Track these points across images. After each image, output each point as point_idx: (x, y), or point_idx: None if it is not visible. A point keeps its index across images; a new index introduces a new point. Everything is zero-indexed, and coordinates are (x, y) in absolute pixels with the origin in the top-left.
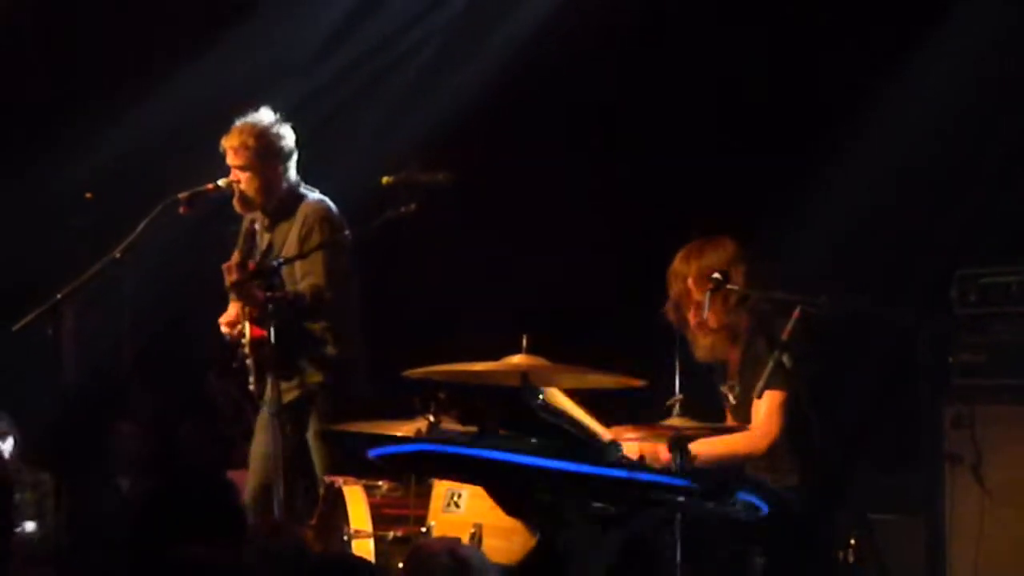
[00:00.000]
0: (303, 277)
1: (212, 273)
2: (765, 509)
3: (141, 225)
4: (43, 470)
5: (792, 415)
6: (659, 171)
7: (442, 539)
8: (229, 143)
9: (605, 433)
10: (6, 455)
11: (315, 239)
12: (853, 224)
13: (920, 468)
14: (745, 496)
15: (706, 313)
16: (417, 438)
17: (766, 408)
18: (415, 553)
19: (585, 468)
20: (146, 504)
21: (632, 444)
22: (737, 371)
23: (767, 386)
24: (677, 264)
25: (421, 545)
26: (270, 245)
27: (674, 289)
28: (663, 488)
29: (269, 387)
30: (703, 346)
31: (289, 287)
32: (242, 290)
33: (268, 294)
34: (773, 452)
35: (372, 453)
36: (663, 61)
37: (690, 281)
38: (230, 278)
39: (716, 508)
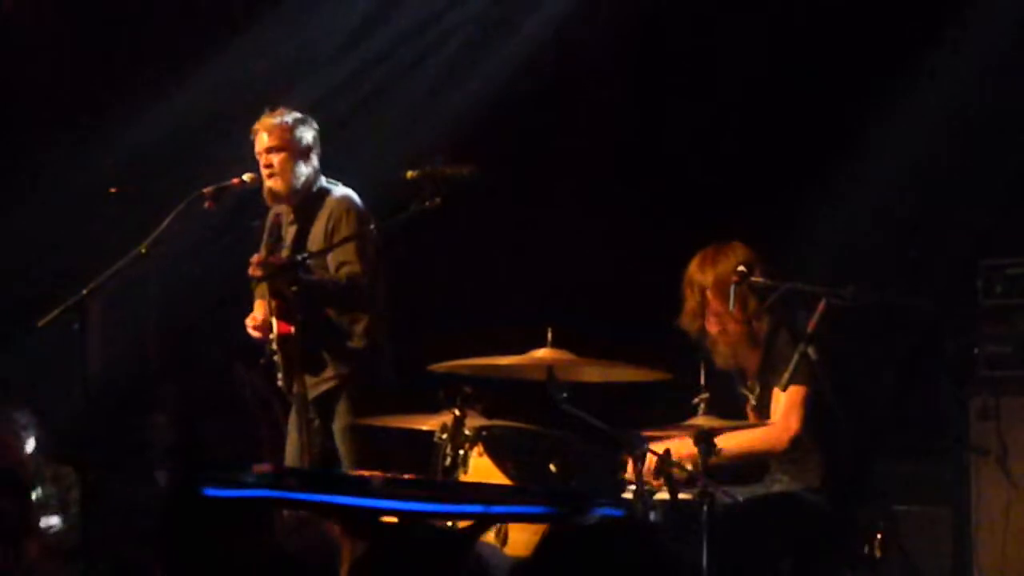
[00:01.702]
0: (337, 268)
1: (238, 267)
2: (620, 514)
3: (167, 220)
4: (64, 464)
5: (815, 410)
6: (686, 163)
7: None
8: (263, 125)
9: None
10: (28, 450)
11: (343, 231)
12: (878, 216)
13: (946, 459)
14: (601, 511)
15: (732, 306)
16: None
17: (786, 403)
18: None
19: (438, 507)
20: (170, 499)
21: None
22: (757, 372)
23: (792, 379)
24: (692, 273)
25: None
26: (296, 239)
27: (691, 299)
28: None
29: (297, 384)
30: (722, 353)
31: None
32: (269, 283)
33: (293, 290)
34: (796, 449)
35: (209, 492)
36: (689, 55)
37: (708, 292)
38: (256, 272)
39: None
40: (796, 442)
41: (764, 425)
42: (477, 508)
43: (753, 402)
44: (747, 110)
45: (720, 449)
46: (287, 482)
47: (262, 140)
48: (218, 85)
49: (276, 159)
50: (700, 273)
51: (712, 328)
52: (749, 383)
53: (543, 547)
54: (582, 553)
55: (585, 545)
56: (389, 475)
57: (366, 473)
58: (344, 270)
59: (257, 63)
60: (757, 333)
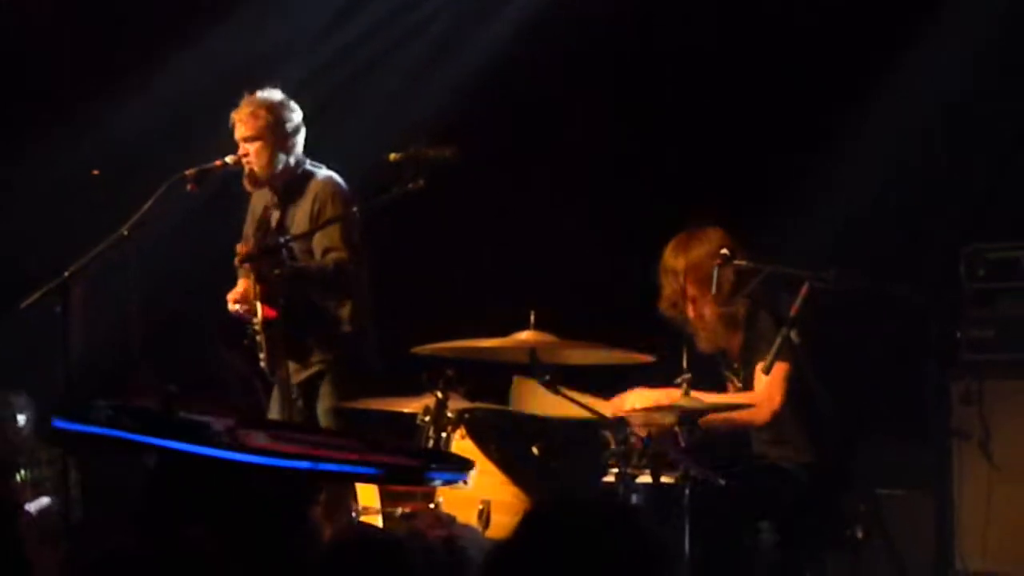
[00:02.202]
0: (323, 252)
1: (220, 249)
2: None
3: (148, 202)
4: (56, 445)
5: (798, 389)
6: (669, 146)
7: (440, 525)
8: (239, 115)
9: (607, 408)
10: (24, 432)
11: (328, 214)
12: (861, 201)
13: (928, 443)
14: (442, 475)
15: (714, 288)
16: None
17: (770, 378)
18: (412, 540)
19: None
20: (150, 482)
21: (639, 418)
22: (739, 354)
23: (775, 358)
24: (667, 259)
25: (419, 532)
26: (280, 222)
27: (667, 285)
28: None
29: (284, 366)
30: (703, 337)
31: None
32: (254, 267)
33: (275, 272)
34: (779, 426)
35: (56, 424)
36: (674, 40)
37: (682, 277)
38: (242, 256)
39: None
40: (777, 416)
41: (747, 398)
42: (306, 464)
43: (738, 384)
44: (731, 98)
45: (702, 431)
46: (124, 422)
47: (239, 129)
48: (201, 68)
49: (252, 147)
50: (674, 258)
51: (689, 313)
52: (734, 366)
53: (521, 529)
54: (562, 535)
55: (565, 527)
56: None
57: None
58: (331, 255)
59: (240, 46)
60: (735, 316)
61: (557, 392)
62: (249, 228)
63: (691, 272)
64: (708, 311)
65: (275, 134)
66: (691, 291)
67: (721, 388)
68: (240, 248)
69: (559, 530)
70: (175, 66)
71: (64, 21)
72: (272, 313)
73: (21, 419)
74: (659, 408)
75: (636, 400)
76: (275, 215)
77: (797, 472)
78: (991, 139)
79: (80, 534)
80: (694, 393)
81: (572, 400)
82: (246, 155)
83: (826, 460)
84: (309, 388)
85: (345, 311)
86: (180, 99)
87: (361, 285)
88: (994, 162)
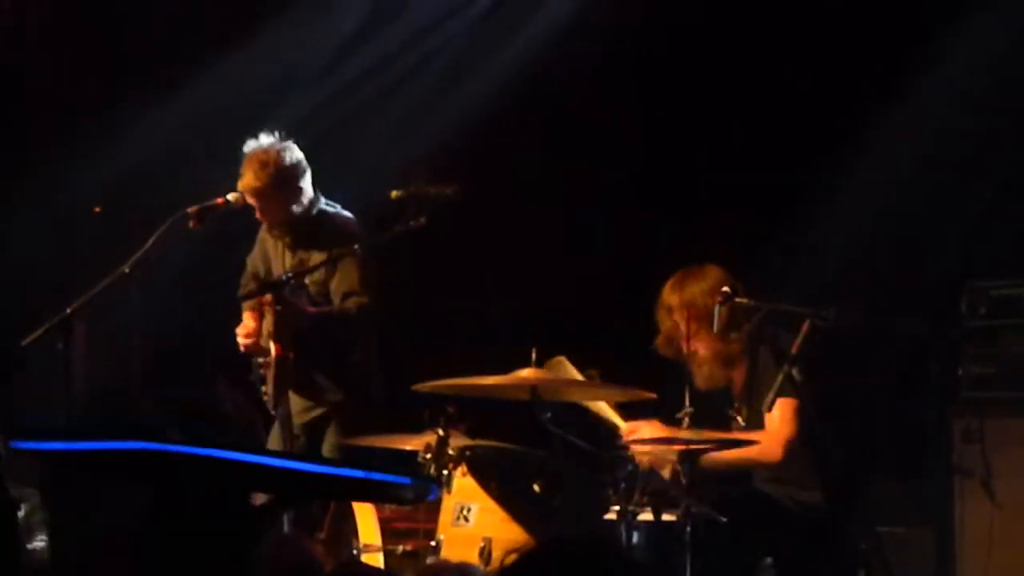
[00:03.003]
0: (343, 297)
1: (221, 285)
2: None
3: (151, 239)
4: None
5: (806, 424)
6: (670, 183)
7: (453, 563)
8: (243, 186)
9: (622, 424)
10: None
11: (347, 260)
12: (862, 237)
13: (930, 480)
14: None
15: (715, 326)
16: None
17: (779, 414)
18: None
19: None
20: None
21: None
22: (743, 391)
23: (777, 395)
24: (664, 296)
25: (433, 566)
26: (299, 263)
27: (663, 322)
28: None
29: (285, 403)
30: (701, 375)
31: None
32: (273, 304)
33: (277, 309)
34: (793, 464)
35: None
36: (675, 72)
37: (677, 314)
38: (247, 292)
39: None
40: (790, 451)
41: (755, 443)
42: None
43: (741, 423)
44: (730, 136)
45: (703, 469)
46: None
47: (247, 197)
48: (204, 104)
49: (262, 204)
50: (671, 295)
51: (685, 350)
52: (736, 403)
53: (518, 567)
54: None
55: (562, 566)
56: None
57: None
58: (352, 300)
59: (242, 81)
60: (732, 353)
61: (558, 433)
62: (257, 260)
63: (687, 309)
64: (703, 349)
65: (281, 195)
66: (686, 328)
67: (726, 427)
68: (247, 282)
69: (556, 567)
70: (178, 104)
71: (66, 55)
72: (282, 350)
73: None
74: (668, 440)
75: (647, 431)
76: (289, 256)
77: (799, 510)
78: (992, 175)
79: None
80: (704, 432)
81: (572, 441)
82: (258, 208)
83: (828, 498)
84: (315, 427)
85: (356, 351)
86: (182, 135)
87: (373, 324)
88: (995, 198)
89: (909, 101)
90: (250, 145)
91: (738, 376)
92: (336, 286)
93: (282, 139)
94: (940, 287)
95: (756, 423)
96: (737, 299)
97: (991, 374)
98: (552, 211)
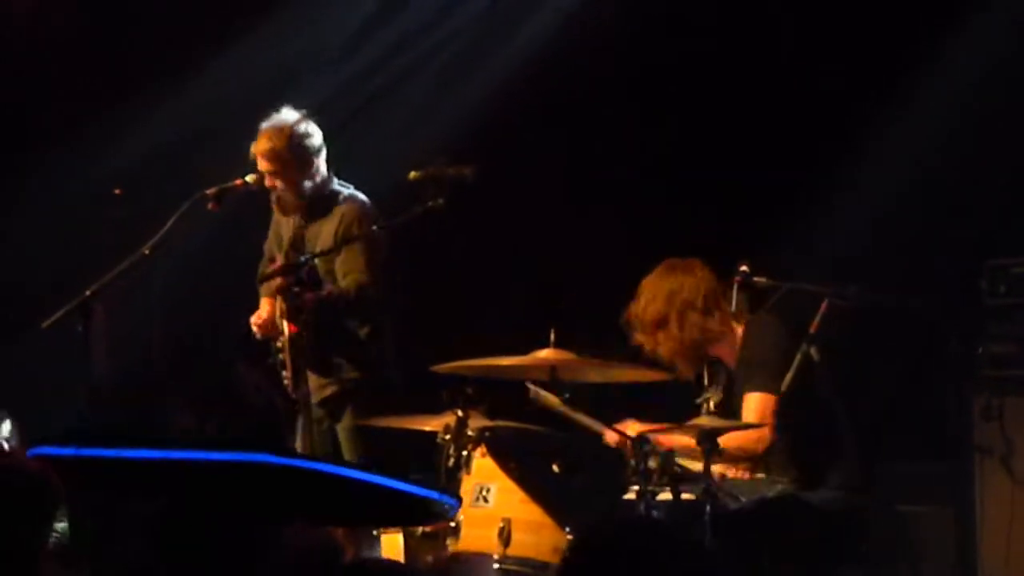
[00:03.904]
0: (345, 275)
1: (241, 267)
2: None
3: (170, 221)
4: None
5: (813, 411)
6: (689, 164)
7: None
8: (257, 148)
9: (609, 434)
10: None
11: (353, 235)
12: (882, 215)
13: (950, 459)
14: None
15: (733, 308)
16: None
17: (757, 410)
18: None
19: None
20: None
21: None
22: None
23: (755, 387)
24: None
25: (460, 555)
26: (306, 242)
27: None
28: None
29: (303, 384)
30: (682, 367)
31: (328, 285)
32: (281, 285)
33: (294, 290)
34: (771, 455)
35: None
36: (690, 59)
37: (638, 335)
38: (263, 276)
39: None
40: (770, 449)
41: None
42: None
43: (711, 408)
44: (750, 110)
45: (723, 449)
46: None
47: (260, 163)
48: (223, 86)
49: (275, 181)
50: (642, 288)
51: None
52: (714, 386)
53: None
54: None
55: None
56: None
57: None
58: (351, 279)
59: (262, 63)
60: (695, 341)
61: (573, 410)
62: (273, 245)
63: (638, 326)
64: (664, 351)
65: (295, 165)
66: (645, 342)
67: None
68: (265, 268)
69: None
70: (197, 83)
71: (87, 37)
72: (295, 328)
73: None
74: (680, 427)
75: (629, 433)
76: (301, 234)
77: (815, 498)
78: (1014, 152)
79: (102, 557)
80: (711, 421)
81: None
82: (272, 187)
83: (847, 479)
84: (331, 407)
85: (367, 330)
86: (202, 116)
87: (386, 306)
88: (1017, 176)
89: (930, 80)
90: (271, 117)
91: (724, 352)
92: (339, 266)
93: (303, 117)
94: (960, 265)
95: (730, 405)
96: (754, 278)
97: (1011, 352)
98: (572, 192)
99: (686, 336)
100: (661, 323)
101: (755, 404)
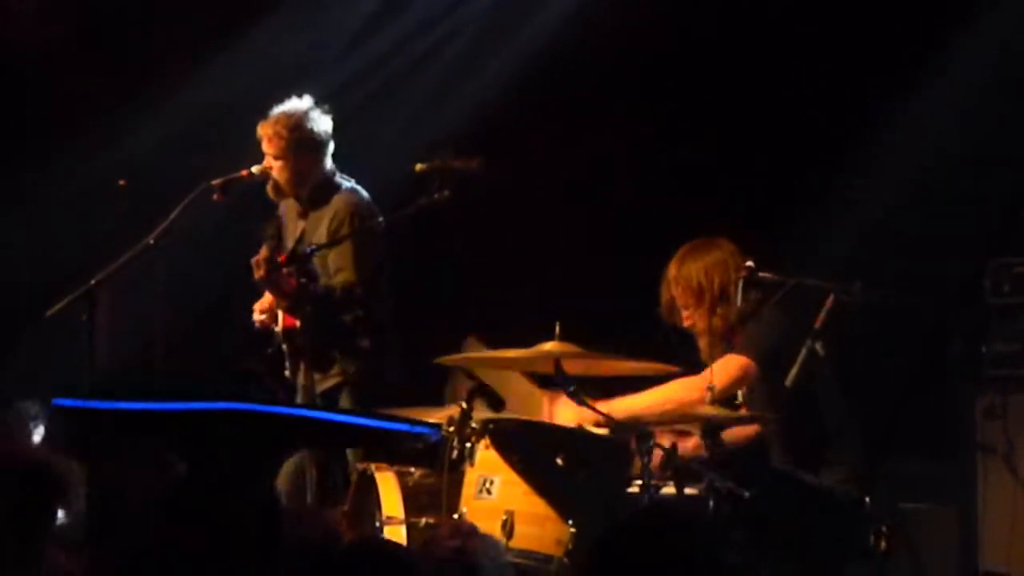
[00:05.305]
0: (335, 272)
1: (246, 258)
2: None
3: (175, 212)
4: (71, 457)
5: (811, 403)
6: (696, 157)
7: (454, 536)
8: (264, 131)
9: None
10: (36, 441)
11: (345, 231)
12: (885, 214)
13: (952, 458)
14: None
15: (739, 303)
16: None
17: (723, 364)
18: (425, 554)
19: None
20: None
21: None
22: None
23: (734, 351)
24: (668, 268)
25: (432, 542)
26: (303, 233)
27: (663, 293)
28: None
29: (302, 375)
30: (703, 349)
31: (322, 279)
32: (271, 283)
33: (301, 281)
34: (796, 443)
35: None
36: (694, 54)
37: (672, 287)
38: (258, 273)
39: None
40: (708, 400)
41: (760, 419)
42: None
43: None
44: (755, 107)
45: (725, 443)
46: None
47: (264, 145)
48: (230, 77)
49: (275, 165)
50: (671, 268)
51: (685, 323)
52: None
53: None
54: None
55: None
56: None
57: None
58: (339, 277)
59: (268, 54)
60: (727, 327)
61: (582, 402)
62: (267, 243)
63: (681, 284)
64: (699, 323)
65: (298, 153)
66: (681, 301)
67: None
68: (256, 264)
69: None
70: (205, 75)
71: (94, 30)
72: (292, 322)
73: (34, 428)
74: (683, 418)
75: (565, 413)
76: (299, 225)
77: (821, 487)
78: (1019, 151)
79: (104, 538)
80: (713, 411)
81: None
82: (271, 168)
83: (851, 475)
84: (331, 399)
85: (363, 326)
86: (209, 108)
87: (378, 300)
88: (1021, 175)
89: (934, 79)
90: (284, 102)
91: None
92: (331, 260)
93: (315, 106)
94: (964, 264)
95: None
96: (760, 273)
97: (1014, 351)
98: (576, 184)
99: (743, 310)
100: (723, 296)
101: (724, 361)
